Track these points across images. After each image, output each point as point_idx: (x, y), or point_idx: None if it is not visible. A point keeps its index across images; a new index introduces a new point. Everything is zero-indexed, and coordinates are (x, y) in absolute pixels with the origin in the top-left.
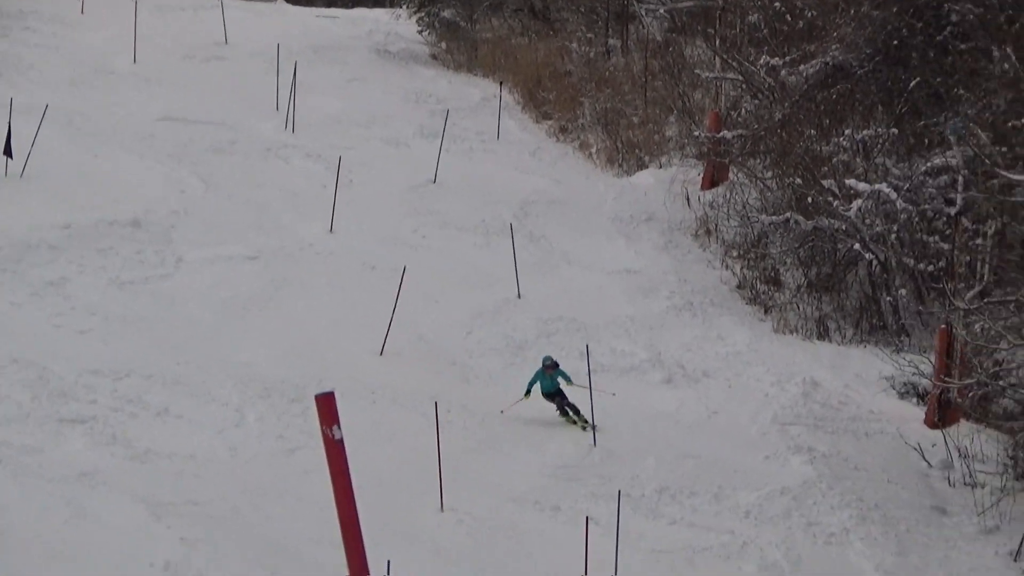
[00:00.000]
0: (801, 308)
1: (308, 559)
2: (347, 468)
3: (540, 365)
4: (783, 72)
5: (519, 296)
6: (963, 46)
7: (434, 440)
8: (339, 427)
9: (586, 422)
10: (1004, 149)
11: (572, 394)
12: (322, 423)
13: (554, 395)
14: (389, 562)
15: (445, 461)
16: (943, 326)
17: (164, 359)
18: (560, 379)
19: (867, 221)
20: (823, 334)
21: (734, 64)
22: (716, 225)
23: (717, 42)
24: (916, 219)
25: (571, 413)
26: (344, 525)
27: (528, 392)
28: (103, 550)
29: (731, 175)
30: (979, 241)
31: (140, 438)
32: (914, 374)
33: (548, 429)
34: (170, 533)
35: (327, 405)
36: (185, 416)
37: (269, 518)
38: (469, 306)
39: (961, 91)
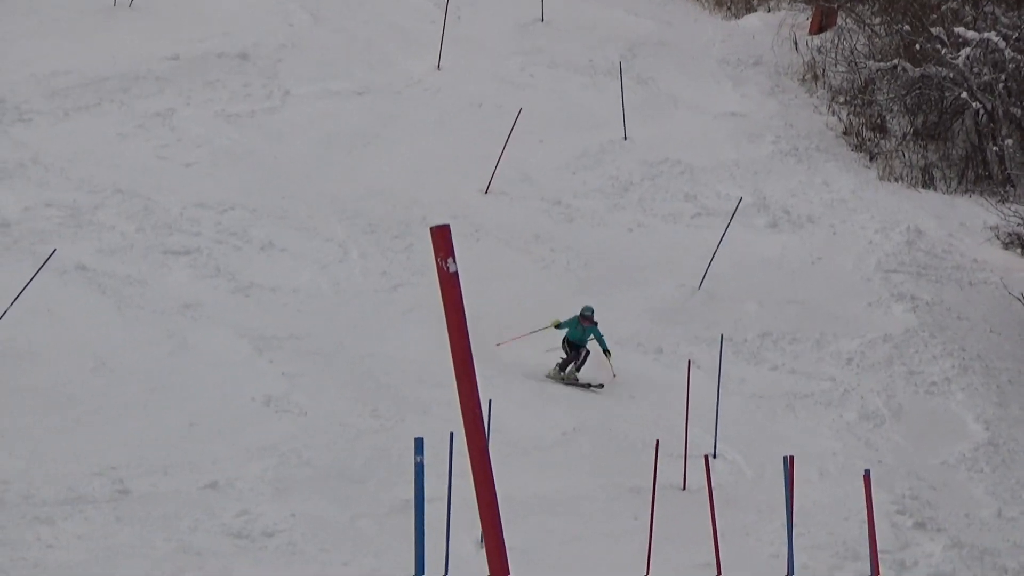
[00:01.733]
0: (906, 156)
1: (409, 397)
2: (461, 302)
3: (577, 312)
4: None
5: (625, 138)
6: None
7: (538, 279)
8: (454, 260)
9: (591, 384)
10: None
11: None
12: (436, 255)
13: (578, 348)
14: (491, 401)
15: (549, 300)
16: None
17: (269, 193)
18: (592, 337)
19: (975, 70)
20: (928, 182)
21: None
22: (823, 70)
23: None
24: None
25: (575, 372)
26: (457, 360)
27: (558, 326)
28: (205, 383)
29: (839, 20)
30: None
31: (243, 271)
32: (1019, 224)
33: (651, 270)
34: (272, 368)
35: (442, 237)
36: (289, 250)
37: (371, 354)
38: (575, 146)
39: None
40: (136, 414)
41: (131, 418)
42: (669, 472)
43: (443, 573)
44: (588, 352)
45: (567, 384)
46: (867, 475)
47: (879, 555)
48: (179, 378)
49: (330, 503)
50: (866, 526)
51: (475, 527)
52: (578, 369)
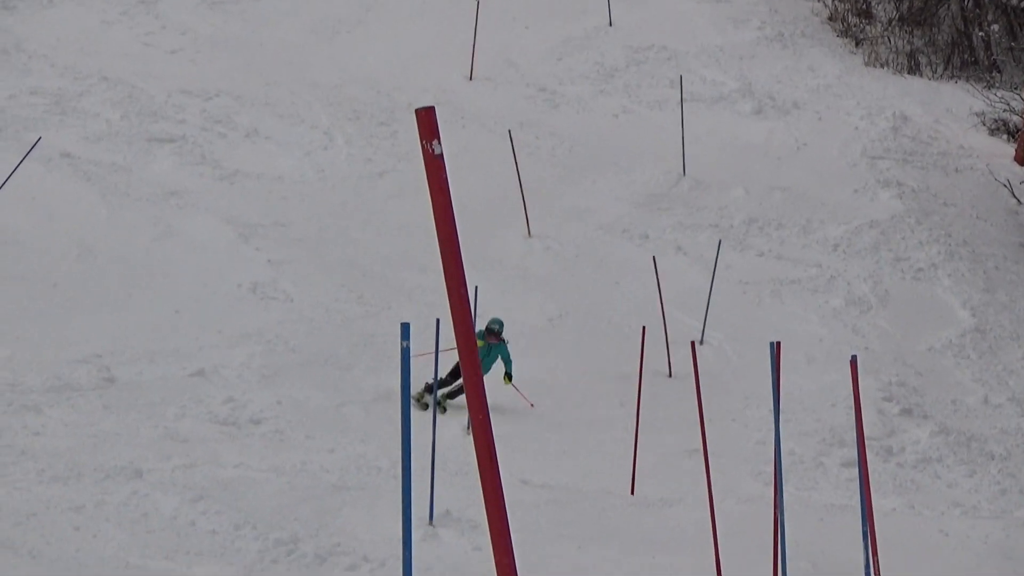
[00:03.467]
0: (892, 42)
1: (393, 282)
2: (447, 184)
3: (481, 326)
4: None
5: (610, 24)
6: None
7: (524, 166)
8: (439, 142)
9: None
10: None
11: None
12: (422, 137)
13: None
14: (477, 287)
15: (534, 187)
16: None
17: (253, 80)
18: (497, 358)
19: None
20: (914, 68)
21: None
22: None
23: None
24: None
25: (440, 393)
26: (443, 241)
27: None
28: (190, 270)
29: None
30: None
31: (229, 159)
32: (1005, 111)
33: (637, 157)
34: (258, 255)
35: (427, 119)
36: (274, 137)
37: (356, 240)
38: (559, 33)
39: None
40: (121, 302)
41: (116, 306)
42: (655, 359)
43: (430, 459)
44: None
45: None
46: (854, 361)
47: (866, 441)
48: (164, 265)
49: (316, 390)
50: (853, 412)
51: (463, 413)
52: (451, 396)
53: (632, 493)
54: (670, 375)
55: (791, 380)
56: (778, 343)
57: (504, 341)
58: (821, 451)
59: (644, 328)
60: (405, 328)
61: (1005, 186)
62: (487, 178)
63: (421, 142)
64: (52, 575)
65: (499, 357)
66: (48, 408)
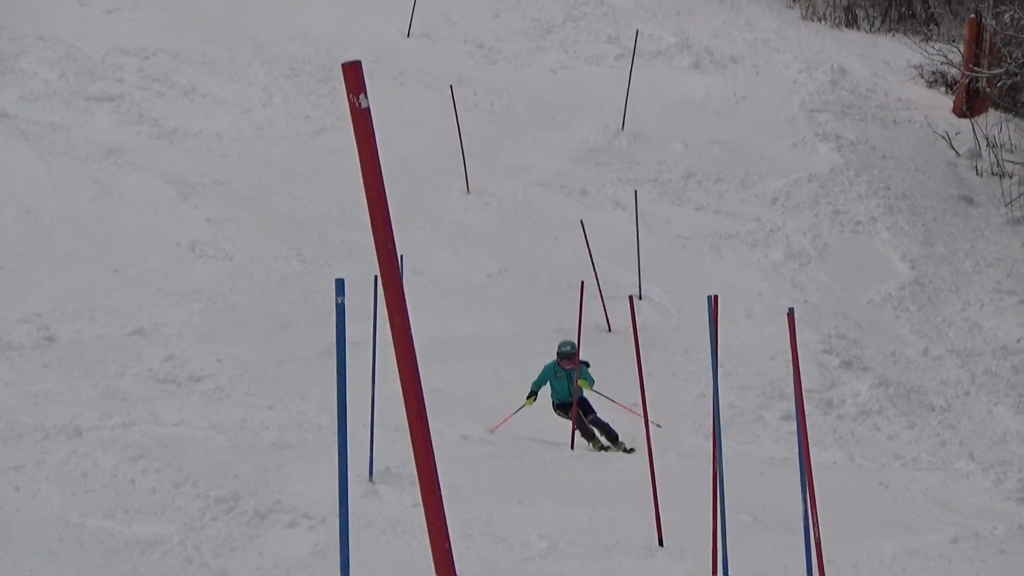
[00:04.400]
0: None
1: (333, 240)
2: (374, 138)
3: (554, 355)
4: None
5: None
6: None
7: (463, 122)
8: (366, 96)
9: (626, 448)
10: None
11: (600, 406)
12: (348, 92)
13: (567, 407)
14: (402, 256)
15: (472, 143)
16: (972, 16)
17: (191, 38)
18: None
19: None
20: (851, 22)
21: None
22: None
23: None
24: None
25: (599, 436)
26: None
27: (533, 396)
28: (129, 228)
29: None
30: None
31: (167, 117)
32: (943, 63)
33: (575, 112)
34: (196, 213)
35: (354, 73)
36: (211, 95)
37: (295, 198)
38: None
39: None
40: (61, 261)
41: (56, 265)
42: (594, 313)
43: (369, 416)
44: (589, 407)
45: (627, 451)
46: (791, 313)
47: (806, 394)
48: (104, 224)
49: (256, 347)
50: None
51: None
52: (608, 437)
53: (572, 448)
54: (609, 330)
55: (731, 334)
56: (715, 296)
57: (584, 364)
58: (761, 404)
59: (583, 283)
60: (339, 284)
61: (943, 138)
62: (426, 135)
63: (348, 96)
64: None
65: (585, 380)
66: None
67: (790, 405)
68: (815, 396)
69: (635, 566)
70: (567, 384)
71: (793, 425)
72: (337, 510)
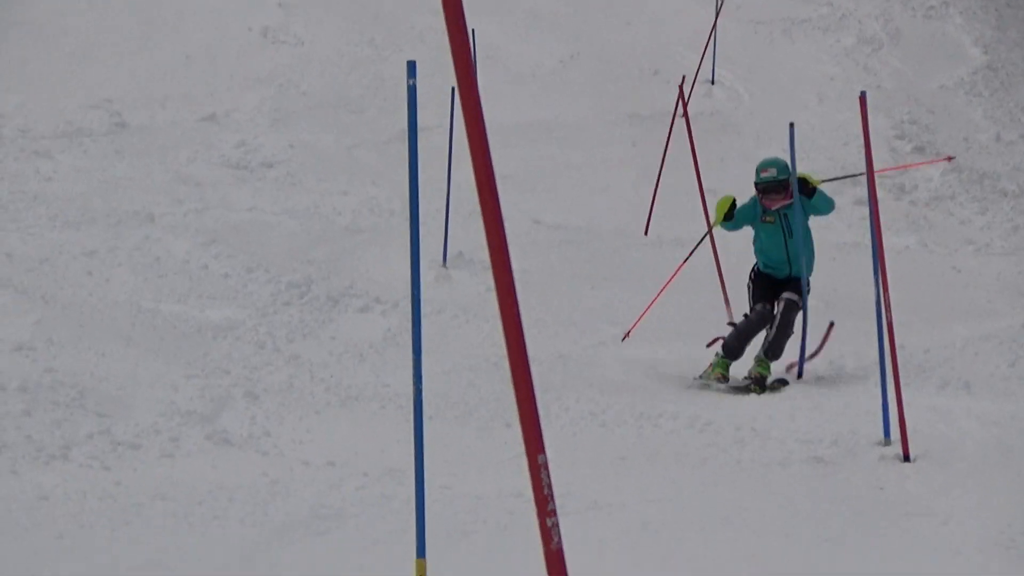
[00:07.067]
0: None
1: (404, 23)
2: None
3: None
4: None
5: None
6: None
7: None
8: None
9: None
10: None
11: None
12: None
13: (778, 283)
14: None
15: None
16: None
17: None
18: (809, 217)
19: None
20: None
21: None
22: None
23: None
24: None
25: (757, 367)
26: None
27: (727, 218)
28: (201, 13)
29: None
30: None
31: None
32: None
33: None
34: None
35: None
36: None
37: None
38: None
39: None
40: (132, 46)
41: (127, 50)
42: (666, 99)
43: (445, 201)
44: (798, 306)
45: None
46: (863, 97)
47: (878, 179)
48: (175, 9)
49: (328, 133)
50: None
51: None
52: (770, 354)
53: (646, 234)
54: (685, 115)
55: (803, 119)
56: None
57: (814, 190)
58: (834, 189)
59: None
60: (411, 65)
61: None
62: None
63: None
64: (65, 319)
65: (810, 213)
66: (59, 153)
67: (862, 190)
68: (887, 181)
69: (706, 351)
70: (781, 236)
71: (865, 210)
72: (409, 294)
